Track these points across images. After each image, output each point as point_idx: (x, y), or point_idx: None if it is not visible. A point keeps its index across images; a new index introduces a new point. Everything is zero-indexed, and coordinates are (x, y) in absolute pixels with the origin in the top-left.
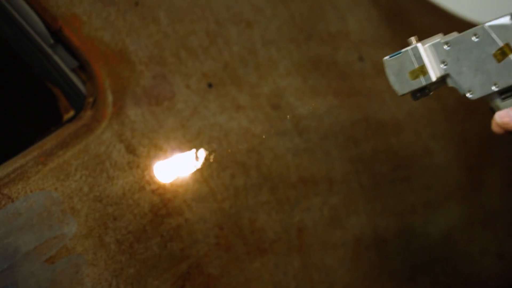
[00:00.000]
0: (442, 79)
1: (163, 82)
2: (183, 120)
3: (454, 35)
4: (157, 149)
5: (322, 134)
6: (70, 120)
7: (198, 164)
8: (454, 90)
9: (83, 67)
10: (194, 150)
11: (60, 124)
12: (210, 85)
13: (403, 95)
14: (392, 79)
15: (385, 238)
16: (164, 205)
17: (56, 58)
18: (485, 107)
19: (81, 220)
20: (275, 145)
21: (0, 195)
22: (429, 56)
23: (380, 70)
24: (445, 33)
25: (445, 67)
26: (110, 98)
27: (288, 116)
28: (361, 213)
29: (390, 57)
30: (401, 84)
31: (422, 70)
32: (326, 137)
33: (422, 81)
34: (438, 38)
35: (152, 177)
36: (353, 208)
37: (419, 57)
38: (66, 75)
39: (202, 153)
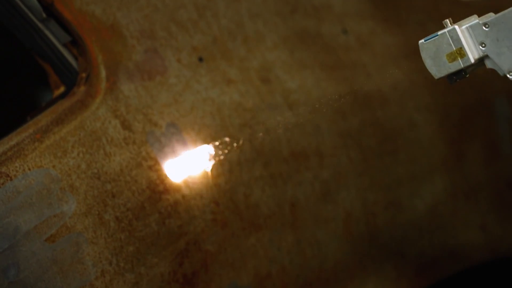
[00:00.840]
0: (480, 61)
1: (154, 56)
2: (176, 95)
3: (491, 16)
4: (152, 125)
5: (311, 107)
6: (61, 96)
7: (193, 140)
8: None
9: (74, 42)
10: (188, 125)
11: (52, 100)
12: (200, 59)
13: (440, 78)
14: (428, 62)
15: (374, 212)
16: (161, 181)
17: (47, 33)
18: (465, 80)
19: (80, 197)
20: (267, 119)
21: None
22: (466, 38)
23: (363, 43)
24: (418, 7)
25: (483, 48)
26: (103, 73)
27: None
28: (350, 187)
29: (425, 40)
30: (438, 67)
31: (460, 53)
32: (315, 111)
33: (460, 64)
34: (474, 20)
35: (148, 153)
36: (343, 182)
37: (456, 39)
38: (58, 50)
39: (196, 128)
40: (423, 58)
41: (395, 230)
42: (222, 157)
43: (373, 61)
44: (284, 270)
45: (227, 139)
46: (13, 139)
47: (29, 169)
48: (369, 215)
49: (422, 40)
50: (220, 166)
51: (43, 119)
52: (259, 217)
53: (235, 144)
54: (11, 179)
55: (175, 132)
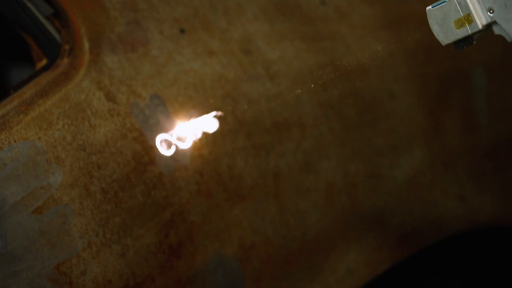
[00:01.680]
0: (488, 27)
1: (137, 28)
2: (158, 67)
3: None
4: (136, 96)
5: (292, 78)
6: (44, 68)
7: (176, 111)
8: (413, 33)
9: (57, 15)
10: (171, 97)
11: (36, 73)
12: (182, 31)
13: (447, 45)
14: (435, 29)
15: (355, 182)
16: (146, 152)
17: (30, 5)
18: (442, 50)
19: (66, 169)
20: (249, 90)
21: None
22: (474, 4)
23: (342, 14)
24: None
25: (491, 14)
26: (86, 45)
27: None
28: (332, 158)
29: (433, 6)
30: (446, 34)
31: (468, 19)
32: (296, 82)
33: (468, 30)
34: None
35: (133, 124)
36: (324, 152)
37: (464, 6)
38: (40, 23)
39: (180, 99)
40: (430, 24)
41: (376, 200)
42: (205, 128)
43: (352, 32)
44: (267, 240)
45: (210, 110)
46: None
47: (15, 141)
48: (350, 186)
49: (430, 7)
50: (204, 137)
51: (28, 91)
52: (243, 188)
53: (218, 115)
54: None
55: (159, 104)
